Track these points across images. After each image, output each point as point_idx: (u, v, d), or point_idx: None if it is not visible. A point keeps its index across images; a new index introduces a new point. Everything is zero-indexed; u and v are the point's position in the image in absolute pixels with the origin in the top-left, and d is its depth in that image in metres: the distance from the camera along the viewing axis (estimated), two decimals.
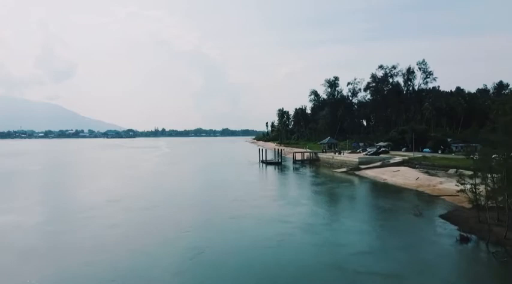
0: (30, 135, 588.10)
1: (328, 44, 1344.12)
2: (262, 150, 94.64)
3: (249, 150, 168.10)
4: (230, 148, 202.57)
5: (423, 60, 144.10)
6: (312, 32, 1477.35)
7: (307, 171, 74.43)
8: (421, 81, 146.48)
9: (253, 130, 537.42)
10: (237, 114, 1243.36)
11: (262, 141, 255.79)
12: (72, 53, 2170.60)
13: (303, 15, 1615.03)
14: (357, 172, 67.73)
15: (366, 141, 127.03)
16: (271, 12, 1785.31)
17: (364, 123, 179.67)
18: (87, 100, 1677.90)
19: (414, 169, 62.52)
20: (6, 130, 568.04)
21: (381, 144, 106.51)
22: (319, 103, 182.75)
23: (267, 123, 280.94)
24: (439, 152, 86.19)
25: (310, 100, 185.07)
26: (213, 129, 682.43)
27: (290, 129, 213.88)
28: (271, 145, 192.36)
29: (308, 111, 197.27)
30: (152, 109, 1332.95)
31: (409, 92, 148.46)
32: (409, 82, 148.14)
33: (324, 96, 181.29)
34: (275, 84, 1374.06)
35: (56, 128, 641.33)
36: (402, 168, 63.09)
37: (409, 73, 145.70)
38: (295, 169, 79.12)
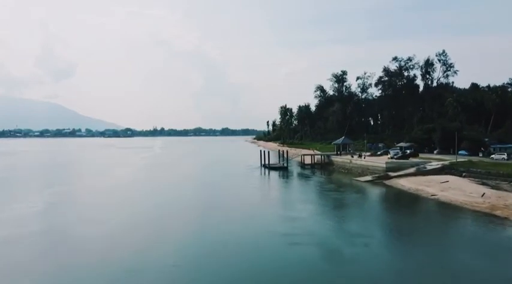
0: (25, 134, 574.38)
1: (329, 44, 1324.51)
2: (264, 152, 79.42)
3: (249, 151, 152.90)
4: (229, 148, 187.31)
5: (443, 51, 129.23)
6: (312, 31, 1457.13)
7: (321, 180, 59.03)
8: (441, 75, 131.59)
9: (253, 130, 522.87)
10: (237, 113, 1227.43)
11: (263, 140, 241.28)
12: (72, 52, 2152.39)
13: (303, 15, 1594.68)
14: (386, 182, 52.59)
15: (382, 141, 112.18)
16: (272, 12, 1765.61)
17: (371, 121, 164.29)
18: (87, 99, 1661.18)
19: (465, 179, 47.50)
20: (2, 129, 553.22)
21: (402, 144, 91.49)
22: (325, 99, 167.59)
23: (267, 122, 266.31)
24: (480, 155, 71.19)
25: (316, 97, 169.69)
26: (213, 129, 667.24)
27: (293, 128, 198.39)
28: (272, 145, 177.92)
29: (312, 108, 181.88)
30: (152, 109, 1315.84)
31: (427, 86, 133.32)
32: (428, 76, 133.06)
33: (330, 92, 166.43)
34: (275, 84, 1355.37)
35: (56, 127, 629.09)
36: (450, 178, 47.84)
37: (428, 65, 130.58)
38: (306, 176, 63.82)
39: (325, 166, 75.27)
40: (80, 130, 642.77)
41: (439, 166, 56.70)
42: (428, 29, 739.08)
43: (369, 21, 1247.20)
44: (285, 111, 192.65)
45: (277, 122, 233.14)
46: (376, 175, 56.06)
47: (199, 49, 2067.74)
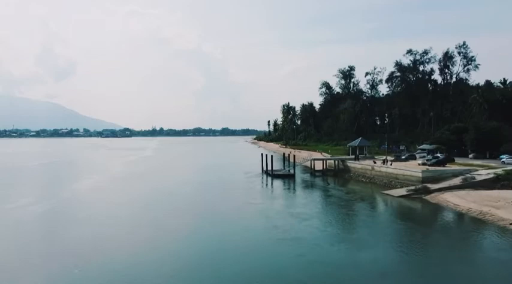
0: (21, 134, 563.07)
1: (331, 44, 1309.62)
2: (265, 155, 66.76)
3: (249, 152, 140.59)
4: (227, 149, 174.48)
5: (464, 43, 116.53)
6: (314, 31, 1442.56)
7: (341, 194, 45.90)
8: (460, 69, 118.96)
9: (253, 130, 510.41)
10: (237, 113, 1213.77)
11: (264, 141, 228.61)
12: (72, 51, 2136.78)
13: (305, 14, 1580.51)
14: (428, 198, 40.04)
15: (397, 143, 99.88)
16: (273, 10, 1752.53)
17: (378, 121, 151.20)
18: (87, 99, 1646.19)
19: None
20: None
21: (426, 146, 79.16)
22: (331, 97, 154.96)
23: (268, 122, 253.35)
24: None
25: (321, 94, 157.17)
26: (213, 128, 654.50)
27: (296, 128, 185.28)
28: (274, 147, 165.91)
29: (316, 107, 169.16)
30: (153, 109, 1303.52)
31: (446, 82, 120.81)
32: (446, 70, 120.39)
33: (337, 89, 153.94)
34: (276, 84, 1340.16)
35: (55, 127, 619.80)
36: None
37: (447, 58, 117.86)
38: (320, 189, 51.03)
39: (339, 174, 62.60)
40: (77, 130, 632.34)
41: (491, 176, 44.16)
42: (429, 29, 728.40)
43: (369, 21, 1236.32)
44: (287, 110, 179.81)
45: (279, 122, 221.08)
46: (412, 187, 43.36)
47: (200, 48, 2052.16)
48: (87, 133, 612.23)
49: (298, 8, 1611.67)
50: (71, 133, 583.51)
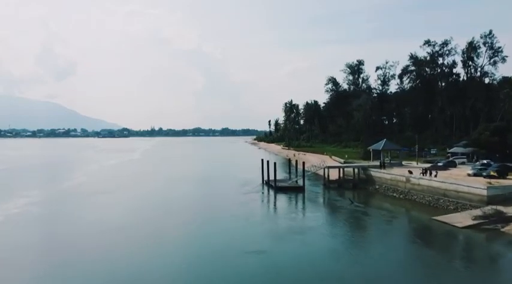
0: (17, 134, 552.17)
1: (331, 44, 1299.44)
2: (267, 162, 53.27)
3: (249, 155, 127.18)
4: (225, 151, 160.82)
5: (490, 32, 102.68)
6: (314, 31, 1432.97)
7: (377, 224, 31.44)
8: (486, 61, 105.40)
9: (254, 130, 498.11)
10: (237, 113, 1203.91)
11: (265, 141, 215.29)
12: (72, 51, 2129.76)
13: (305, 14, 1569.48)
14: (509, 230, 26.89)
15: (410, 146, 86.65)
16: (273, 11, 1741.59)
17: (385, 120, 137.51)
18: (87, 99, 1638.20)
19: None
20: None
21: (458, 149, 66.34)
22: (337, 94, 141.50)
23: (269, 122, 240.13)
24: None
25: (327, 91, 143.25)
26: (213, 128, 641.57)
27: (299, 128, 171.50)
28: (276, 148, 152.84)
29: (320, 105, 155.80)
30: (153, 109, 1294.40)
31: (470, 76, 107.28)
32: (470, 63, 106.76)
33: (344, 85, 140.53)
34: (276, 84, 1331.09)
35: (56, 127, 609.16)
36: None
37: (471, 49, 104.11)
38: (341, 210, 37.08)
39: (361, 186, 49.13)
40: (75, 130, 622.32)
41: None
42: (429, 29, 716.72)
43: (369, 21, 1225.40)
44: (290, 108, 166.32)
45: (280, 121, 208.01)
46: (478, 213, 29.93)
47: (201, 48, 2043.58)
48: (85, 133, 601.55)
49: (298, 8, 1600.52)
50: (68, 133, 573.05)
